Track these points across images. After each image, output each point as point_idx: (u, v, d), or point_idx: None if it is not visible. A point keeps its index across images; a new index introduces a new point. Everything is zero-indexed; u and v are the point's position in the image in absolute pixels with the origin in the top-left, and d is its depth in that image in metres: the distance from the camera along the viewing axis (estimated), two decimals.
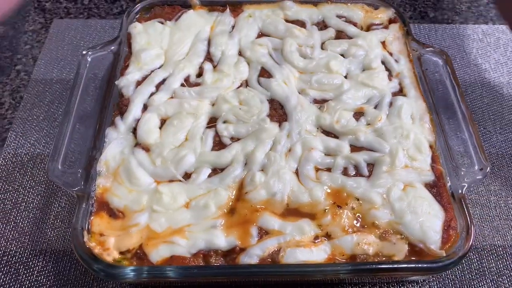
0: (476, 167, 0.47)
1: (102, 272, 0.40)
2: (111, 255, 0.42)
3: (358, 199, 0.46)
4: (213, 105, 0.52)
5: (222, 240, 0.43)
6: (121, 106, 0.51)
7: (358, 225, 0.44)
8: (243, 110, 0.51)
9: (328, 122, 0.50)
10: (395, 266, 0.41)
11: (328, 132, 0.50)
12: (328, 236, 0.44)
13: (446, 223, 0.45)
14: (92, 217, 0.44)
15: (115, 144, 0.48)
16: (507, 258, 0.51)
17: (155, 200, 0.44)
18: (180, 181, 0.46)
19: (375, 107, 0.52)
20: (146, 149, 0.48)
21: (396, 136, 0.49)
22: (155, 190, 0.45)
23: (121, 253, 0.42)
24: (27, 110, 0.64)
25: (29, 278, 0.51)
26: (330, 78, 0.54)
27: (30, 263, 0.52)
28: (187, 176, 0.47)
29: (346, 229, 0.44)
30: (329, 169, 0.48)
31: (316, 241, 0.43)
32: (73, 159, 0.46)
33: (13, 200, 0.56)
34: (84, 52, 0.54)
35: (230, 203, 0.45)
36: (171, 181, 0.46)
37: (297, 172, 0.47)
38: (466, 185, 0.46)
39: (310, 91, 0.53)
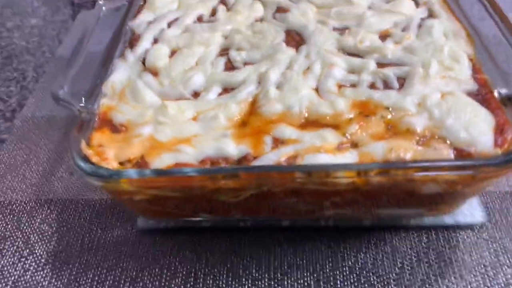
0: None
1: (103, 177, 0.35)
2: (109, 165, 0.37)
3: (388, 108, 0.40)
4: (226, 38, 0.49)
5: (232, 148, 0.37)
6: (132, 41, 0.49)
7: (390, 132, 0.38)
8: (257, 38, 0.48)
9: (350, 43, 0.46)
10: (444, 164, 0.34)
11: (351, 54, 0.46)
12: (354, 145, 0.38)
13: (498, 127, 0.38)
14: (93, 132, 0.40)
15: (122, 70, 0.45)
16: None
17: (160, 113, 0.40)
18: (188, 99, 0.42)
19: (403, 31, 0.48)
20: (154, 73, 0.45)
21: (428, 50, 0.44)
22: (161, 105, 0.41)
23: (120, 163, 0.38)
24: (48, 81, 0.64)
25: (31, 226, 0.47)
26: (351, 8, 0.51)
27: (34, 212, 0.49)
28: (196, 95, 0.43)
29: (376, 136, 0.38)
30: (353, 86, 0.43)
31: (340, 149, 0.37)
32: (79, 87, 0.44)
33: (25, 156, 0.54)
34: (100, 2, 0.54)
35: (241, 117, 0.40)
36: (178, 99, 0.42)
37: (316, 90, 0.43)
38: None
39: (329, 21, 0.50)
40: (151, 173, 0.35)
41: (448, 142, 0.37)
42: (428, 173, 0.34)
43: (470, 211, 0.45)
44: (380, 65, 0.44)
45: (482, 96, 0.40)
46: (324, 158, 0.36)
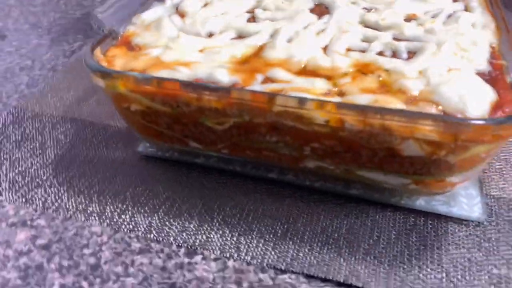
0: None
1: (102, 73, 0.39)
2: None
3: (387, 71, 0.39)
4: (258, 1, 0.52)
5: (225, 76, 0.39)
6: None
7: (382, 89, 0.38)
8: (285, 4, 0.50)
9: (373, 19, 0.46)
10: (418, 114, 0.33)
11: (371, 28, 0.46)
12: (342, 93, 0.38)
13: (498, 105, 0.35)
14: (112, 47, 0.44)
15: (157, 9, 0.50)
16: None
17: (173, 41, 0.44)
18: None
19: (433, 17, 0.47)
20: (182, 16, 0.49)
21: (448, 33, 0.43)
22: (176, 35, 0.45)
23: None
24: None
25: (51, 134, 0.52)
26: None
27: (58, 124, 0.54)
28: (211, 36, 0.46)
29: (366, 90, 0.37)
30: (362, 52, 0.43)
31: (326, 94, 0.37)
32: (116, 16, 0.49)
33: (67, 84, 0.61)
34: None
35: (244, 57, 0.42)
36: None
37: (325, 50, 0.43)
38: None
39: (361, 2, 0.50)
40: (140, 76, 0.38)
41: (438, 106, 0.35)
42: (400, 121, 0.33)
43: (470, 206, 0.41)
44: (396, 40, 0.44)
45: (492, 77, 0.38)
46: (307, 97, 0.36)
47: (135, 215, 0.42)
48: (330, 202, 0.43)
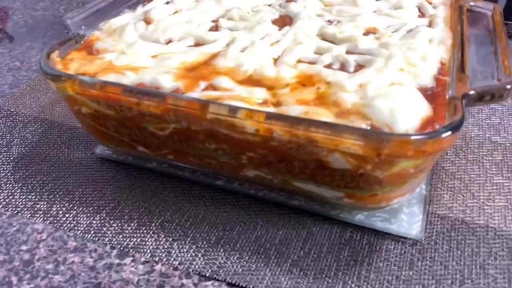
0: (494, 79, 0.37)
1: (51, 76, 0.40)
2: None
3: (328, 83, 0.39)
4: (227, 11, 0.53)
5: (167, 81, 0.40)
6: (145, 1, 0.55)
7: (317, 102, 0.37)
8: (250, 14, 0.51)
9: (331, 31, 0.46)
10: (338, 125, 0.32)
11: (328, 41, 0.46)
12: (278, 104, 0.38)
13: (429, 120, 0.35)
14: (73, 50, 0.46)
15: (126, 16, 0.51)
16: None
17: (129, 46, 0.45)
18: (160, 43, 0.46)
19: (394, 32, 0.47)
20: (148, 22, 0.50)
21: (401, 48, 0.42)
22: (133, 41, 0.46)
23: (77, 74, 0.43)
24: None
25: (20, 133, 0.54)
26: (351, 9, 0.51)
27: (28, 124, 0.55)
28: (169, 43, 0.47)
29: (302, 101, 0.37)
30: (312, 63, 0.43)
31: (263, 104, 0.38)
32: (86, 22, 0.51)
33: (43, 84, 0.63)
34: None
35: (194, 64, 0.43)
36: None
37: (277, 60, 0.43)
38: (474, 92, 0.36)
39: (327, 14, 0.51)
40: (84, 79, 0.39)
41: (368, 119, 0.35)
42: (323, 133, 0.33)
43: (410, 223, 0.40)
44: (349, 53, 0.44)
45: (433, 93, 0.38)
46: (241, 105, 0.37)
47: (79, 215, 0.43)
48: (271, 212, 0.43)
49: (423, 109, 0.35)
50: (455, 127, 0.32)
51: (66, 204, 0.44)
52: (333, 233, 0.41)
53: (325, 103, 0.37)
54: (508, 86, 0.36)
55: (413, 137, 0.31)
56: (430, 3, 0.52)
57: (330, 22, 0.50)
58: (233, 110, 0.35)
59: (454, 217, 0.42)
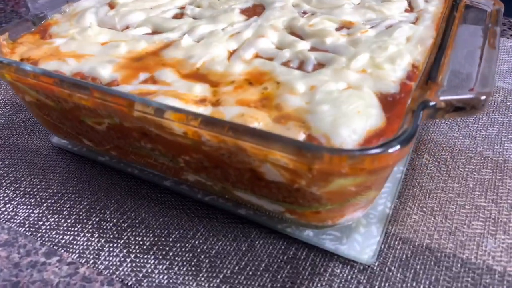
0: (466, 88, 0.31)
1: None
2: (12, 58, 0.40)
3: (278, 83, 0.35)
4: None
5: (106, 72, 0.37)
6: None
7: (259, 103, 0.33)
8: (220, 2, 0.47)
9: (300, 23, 0.42)
10: (264, 133, 0.28)
11: (295, 35, 0.41)
12: (217, 103, 0.34)
13: (378, 133, 0.30)
14: (27, 33, 0.44)
15: (92, 0, 0.49)
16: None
17: (82, 32, 0.42)
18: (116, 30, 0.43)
19: (371, 27, 0.41)
20: (112, 7, 0.47)
21: (371, 46, 0.37)
22: (88, 26, 0.43)
23: (21, 59, 0.40)
24: None
25: None
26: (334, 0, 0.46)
27: None
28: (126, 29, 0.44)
29: (242, 102, 0.33)
30: (270, 59, 0.38)
31: (200, 102, 0.34)
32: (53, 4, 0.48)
33: None
34: None
35: (142, 53, 0.40)
36: (110, 29, 0.44)
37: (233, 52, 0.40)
38: (436, 103, 0.30)
39: (304, 5, 0.46)
40: (18, 66, 0.36)
41: (307, 127, 0.30)
42: (248, 141, 0.29)
43: (363, 246, 0.36)
44: (315, 49, 0.39)
45: (394, 100, 0.33)
46: (173, 103, 0.33)
47: (19, 206, 0.41)
48: (216, 219, 0.39)
49: (373, 119, 0.31)
50: (397, 143, 0.27)
51: (10, 194, 0.43)
52: (277, 248, 0.37)
53: (268, 105, 0.33)
54: (483, 98, 0.31)
55: (344, 153, 0.27)
56: None
57: (305, 13, 0.45)
58: (159, 109, 0.31)
59: (419, 242, 0.37)
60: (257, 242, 0.37)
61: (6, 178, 0.44)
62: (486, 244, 0.37)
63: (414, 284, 0.34)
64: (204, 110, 0.33)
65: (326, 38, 0.39)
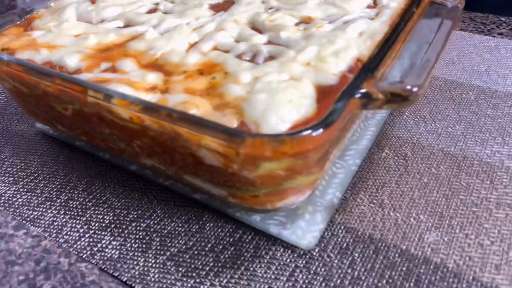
0: (397, 79, 0.33)
1: None
2: None
3: (226, 73, 0.37)
4: None
5: (72, 61, 0.40)
6: None
7: (204, 92, 0.35)
8: None
9: (262, 18, 0.44)
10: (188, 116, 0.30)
11: (255, 29, 0.43)
12: (165, 91, 0.36)
13: (305, 121, 0.31)
14: (12, 26, 0.47)
15: None
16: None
17: (58, 25, 0.46)
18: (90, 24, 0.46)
19: (329, 23, 0.43)
20: (93, 2, 0.50)
21: (321, 40, 0.39)
22: (65, 20, 0.46)
23: (2, 49, 0.44)
24: None
25: None
26: None
27: None
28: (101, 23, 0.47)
29: (189, 90, 0.36)
30: (226, 52, 0.40)
31: (150, 90, 0.36)
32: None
33: None
34: None
35: (110, 45, 0.42)
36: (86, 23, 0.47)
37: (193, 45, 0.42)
38: (366, 90, 0.32)
39: (271, 1, 0.47)
40: None
41: (241, 114, 0.32)
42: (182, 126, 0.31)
43: (305, 232, 0.37)
44: (271, 43, 0.41)
45: (329, 90, 0.34)
46: (124, 89, 0.36)
47: None
48: (174, 203, 0.42)
49: (304, 108, 0.32)
50: (312, 128, 0.29)
51: None
52: (225, 231, 0.39)
53: (212, 93, 0.35)
54: (414, 89, 0.32)
55: (261, 137, 0.28)
56: None
57: (272, 8, 0.47)
58: (107, 95, 0.34)
59: (362, 232, 0.38)
60: (207, 224, 0.39)
61: None
62: (428, 237, 0.38)
63: (349, 270, 0.35)
64: (152, 97, 0.35)
65: (281, 32, 0.41)
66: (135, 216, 0.41)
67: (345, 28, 0.40)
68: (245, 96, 0.34)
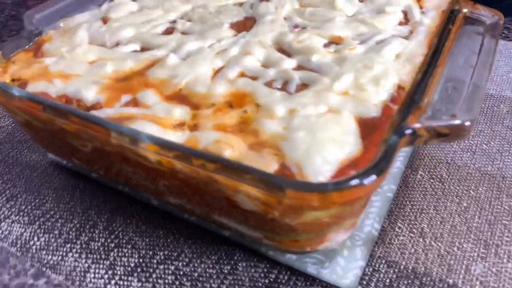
0: (449, 114, 0.30)
1: None
2: (3, 78, 0.41)
3: (258, 105, 0.34)
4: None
5: (90, 93, 0.37)
6: None
7: (237, 128, 0.33)
8: (211, 15, 0.46)
9: (289, 39, 0.41)
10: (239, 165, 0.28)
11: (282, 51, 0.40)
12: (195, 127, 0.34)
13: (353, 162, 0.29)
14: (21, 51, 0.44)
15: (88, 14, 0.49)
16: None
17: (71, 50, 0.43)
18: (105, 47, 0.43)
19: (361, 43, 0.40)
20: (106, 22, 0.47)
21: (356, 65, 0.36)
22: (78, 44, 0.43)
23: (12, 80, 0.41)
24: None
25: None
26: (326, 11, 0.45)
27: None
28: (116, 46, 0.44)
29: (220, 127, 0.33)
30: (254, 78, 0.38)
31: (178, 127, 0.34)
32: (50, 18, 0.49)
33: None
34: None
35: (128, 73, 0.40)
36: (100, 46, 0.44)
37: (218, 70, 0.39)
38: (416, 126, 0.29)
39: (296, 18, 0.45)
40: (3, 88, 0.37)
41: (281, 155, 0.30)
42: (216, 171, 0.28)
43: (345, 270, 0.35)
44: (301, 67, 0.38)
45: (374, 125, 0.32)
46: (150, 128, 0.33)
47: (13, 224, 0.42)
48: (201, 240, 0.39)
49: (349, 147, 0.30)
50: (364, 175, 0.26)
51: (5, 211, 0.44)
52: (259, 272, 0.37)
53: (245, 130, 0.33)
54: (467, 124, 0.29)
55: (306, 188, 0.26)
56: (422, 7, 0.44)
57: (296, 27, 0.44)
58: (133, 139, 0.31)
59: (404, 265, 0.36)
60: (239, 264, 0.37)
61: (3, 195, 0.45)
62: (475, 268, 0.36)
63: None
64: (181, 135, 0.33)
65: (312, 56, 0.38)
66: (162, 257, 0.38)
67: (380, 50, 0.38)
68: (282, 134, 0.31)
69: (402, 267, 0.36)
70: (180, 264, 0.38)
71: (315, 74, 0.36)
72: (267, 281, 0.36)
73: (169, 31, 0.46)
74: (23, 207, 0.44)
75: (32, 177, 0.47)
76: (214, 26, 0.44)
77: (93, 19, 0.49)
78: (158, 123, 0.34)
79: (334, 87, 0.34)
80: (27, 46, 0.45)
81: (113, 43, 0.44)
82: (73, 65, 0.41)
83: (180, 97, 0.37)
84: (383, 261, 0.36)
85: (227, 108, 0.35)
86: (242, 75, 0.38)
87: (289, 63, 0.38)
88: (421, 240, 0.38)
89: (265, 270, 0.37)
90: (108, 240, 0.40)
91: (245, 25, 0.45)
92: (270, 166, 0.29)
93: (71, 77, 0.40)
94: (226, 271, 0.37)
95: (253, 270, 0.37)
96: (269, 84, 0.37)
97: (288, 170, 0.29)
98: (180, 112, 0.35)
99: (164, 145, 0.30)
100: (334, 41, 0.41)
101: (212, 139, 0.32)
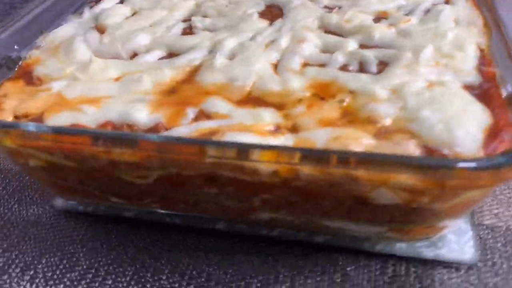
0: None
1: None
2: (3, 117, 0.32)
3: (352, 92, 0.31)
4: (198, 6, 0.43)
5: (143, 115, 0.30)
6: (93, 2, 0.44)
7: (344, 120, 0.29)
8: (229, 8, 0.41)
9: (334, 21, 0.38)
10: (394, 158, 0.24)
11: (333, 34, 0.37)
12: (294, 128, 0.29)
13: (494, 129, 0.27)
14: (5, 81, 0.35)
15: (71, 25, 0.40)
16: None
17: (82, 69, 0.34)
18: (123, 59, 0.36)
19: (406, 15, 0.38)
20: (102, 32, 0.39)
21: (426, 35, 0.35)
22: (88, 60, 0.35)
23: (15, 117, 0.32)
24: None
25: None
26: None
27: None
28: (134, 57, 0.37)
29: (324, 122, 0.29)
30: (322, 66, 0.34)
31: (275, 131, 0.29)
32: (22, 37, 0.39)
33: None
34: None
35: (172, 84, 0.33)
36: (113, 58, 0.36)
37: (276, 65, 0.34)
38: None
39: (324, 1, 0.42)
40: (30, 129, 0.28)
41: (417, 138, 0.27)
42: (369, 168, 0.24)
43: (460, 244, 0.33)
44: (364, 47, 0.35)
45: (483, 91, 0.30)
46: (249, 138, 0.28)
47: None
48: (293, 254, 0.34)
49: (481, 115, 0.28)
50: None
51: (27, 285, 0.34)
52: (373, 270, 0.33)
53: (356, 120, 0.29)
54: None
55: (490, 165, 0.23)
56: None
57: (329, 8, 0.41)
58: (243, 151, 0.26)
59: (505, 227, 0.35)
60: (348, 268, 0.33)
61: (14, 266, 0.35)
62: None
63: None
64: (285, 139, 0.28)
65: (374, 33, 0.35)
66: (258, 285, 0.33)
67: (437, 19, 0.36)
68: (406, 115, 0.28)
69: (504, 228, 0.35)
70: (283, 286, 0.32)
71: (391, 50, 0.34)
72: (386, 277, 0.33)
73: (187, 32, 0.39)
74: (49, 274, 0.35)
75: (42, 234, 0.37)
76: (242, 18, 0.39)
77: (81, 30, 0.40)
78: (251, 132, 0.28)
79: (420, 59, 0.32)
80: (10, 75, 0.36)
81: (130, 53, 0.37)
82: (95, 86, 0.33)
83: (252, 100, 0.31)
84: (484, 227, 0.35)
85: (318, 101, 0.31)
86: (306, 64, 0.34)
87: (352, 45, 0.35)
88: (505, 200, 0.38)
89: (379, 267, 0.33)
90: (184, 284, 0.33)
91: (271, 13, 0.41)
92: (412, 151, 0.26)
93: (101, 101, 0.32)
94: (338, 280, 0.33)
95: (366, 271, 0.33)
96: (344, 69, 0.33)
97: (435, 151, 0.26)
98: (269, 116, 0.30)
99: (288, 153, 0.25)
100: (381, 17, 0.39)
101: (327, 137, 0.27)
